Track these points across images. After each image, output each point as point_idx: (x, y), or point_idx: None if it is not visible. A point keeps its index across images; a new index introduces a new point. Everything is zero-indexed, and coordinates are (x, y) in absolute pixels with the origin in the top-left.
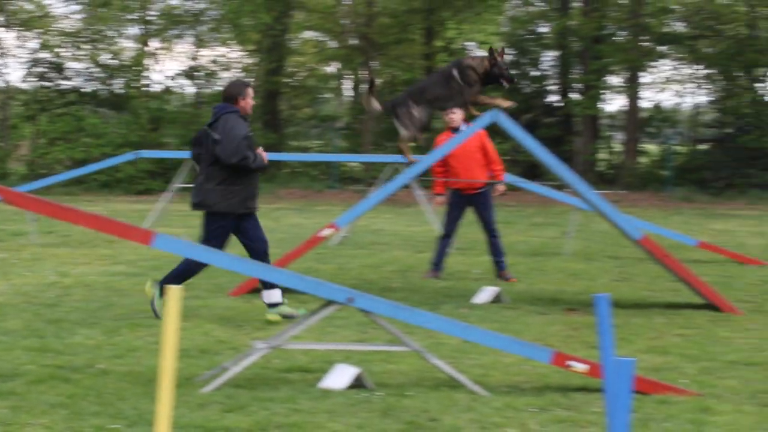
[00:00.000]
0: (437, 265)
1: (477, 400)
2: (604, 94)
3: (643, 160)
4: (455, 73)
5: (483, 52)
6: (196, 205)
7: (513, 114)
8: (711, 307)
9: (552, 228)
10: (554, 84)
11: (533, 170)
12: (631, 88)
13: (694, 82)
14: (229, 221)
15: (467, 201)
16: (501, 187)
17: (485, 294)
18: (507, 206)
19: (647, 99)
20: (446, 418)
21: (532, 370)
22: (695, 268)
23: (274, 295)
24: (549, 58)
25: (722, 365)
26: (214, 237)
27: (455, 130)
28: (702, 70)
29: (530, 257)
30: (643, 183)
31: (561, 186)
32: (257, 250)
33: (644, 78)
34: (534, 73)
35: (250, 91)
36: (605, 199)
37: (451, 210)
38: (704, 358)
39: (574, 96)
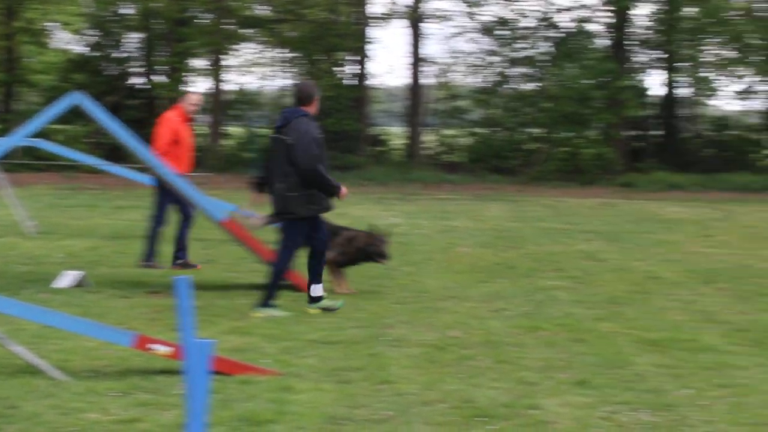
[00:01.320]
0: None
1: (57, 385)
2: (187, 76)
3: (227, 142)
4: None
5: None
6: (279, 214)
7: (96, 96)
8: (293, 287)
9: (135, 210)
10: (139, 66)
11: (116, 153)
12: (215, 71)
13: (278, 66)
14: (308, 223)
15: None
16: None
17: (67, 278)
18: (90, 190)
19: (232, 82)
20: (25, 405)
21: (114, 354)
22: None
23: (318, 290)
24: (133, 39)
25: (303, 344)
26: (293, 240)
27: None
28: (286, 54)
29: (114, 240)
30: (228, 165)
31: (145, 168)
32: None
33: (228, 61)
34: (117, 54)
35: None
36: (190, 181)
37: None
38: (285, 338)
39: (159, 78)
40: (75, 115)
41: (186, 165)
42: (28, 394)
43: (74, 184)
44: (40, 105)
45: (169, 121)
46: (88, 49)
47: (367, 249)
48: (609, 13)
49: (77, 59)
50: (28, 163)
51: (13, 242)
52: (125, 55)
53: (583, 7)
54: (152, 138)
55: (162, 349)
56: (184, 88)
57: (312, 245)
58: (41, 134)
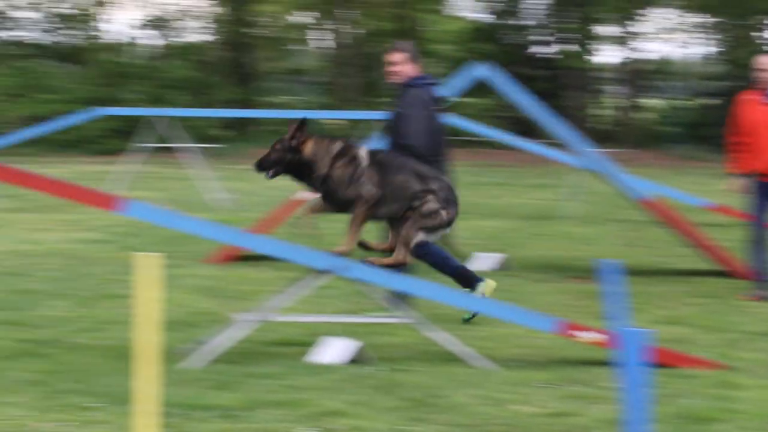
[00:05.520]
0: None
1: (482, 374)
2: (593, 45)
3: (643, 115)
4: None
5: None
6: None
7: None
8: (725, 274)
9: (550, 190)
10: (543, 34)
11: (527, 128)
12: (627, 38)
13: (696, 32)
14: None
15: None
16: None
17: (480, 261)
18: (501, 167)
19: (647, 50)
20: (451, 394)
21: (539, 342)
22: (708, 231)
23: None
24: (539, 5)
25: (746, 337)
26: None
27: None
28: (707, 19)
29: (528, 221)
30: (644, 140)
31: (555, 144)
32: None
33: (641, 27)
34: (517, 22)
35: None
36: (606, 158)
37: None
38: (725, 329)
39: (566, 47)
40: (482, 87)
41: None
42: (452, 382)
43: (484, 161)
44: (442, 76)
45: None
46: (493, 16)
47: None
48: None
49: (479, 27)
50: None
51: None
52: (526, 22)
53: None
54: (728, 124)
55: (589, 336)
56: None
57: None
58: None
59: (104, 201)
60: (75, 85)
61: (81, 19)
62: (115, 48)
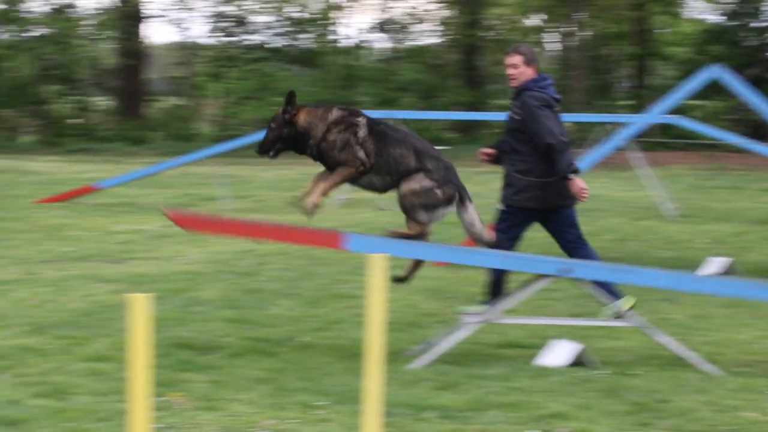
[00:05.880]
0: None
1: (709, 380)
2: None
3: None
4: None
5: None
6: None
7: (734, 69)
8: None
9: None
10: None
11: (759, 130)
12: None
13: None
14: None
15: None
16: None
17: (714, 265)
18: (733, 170)
19: None
20: (677, 399)
21: (765, 347)
22: None
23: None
24: None
25: None
26: None
27: None
28: None
29: (762, 225)
30: None
31: None
32: None
33: None
34: (757, 24)
35: None
36: None
37: None
38: None
39: None
40: (713, 90)
41: None
42: (679, 388)
43: (715, 164)
44: (676, 79)
45: None
46: (725, 18)
47: None
48: None
49: (713, 29)
50: (666, 141)
51: (654, 225)
52: (766, 24)
53: None
54: None
55: None
56: None
57: None
58: (678, 110)
59: (329, 240)
60: (308, 88)
61: (316, 23)
62: (347, 51)
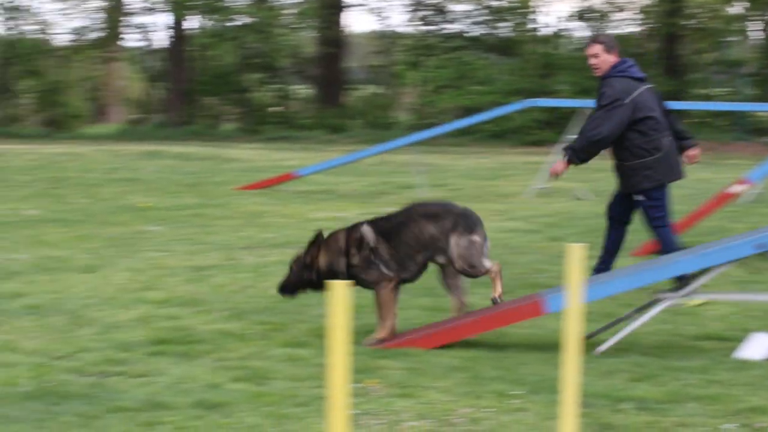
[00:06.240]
0: None
1: None
2: None
3: None
4: None
5: None
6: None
7: None
8: None
9: None
10: None
11: None
12: None
13: None
14: None
15: None
16: None
17: None
18: None
19: None
20: None
21: None
22: None
23: None
24: None
25: None
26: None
27: None
28: None
29: None
30: None
31: None
32: None
33: None
34: None
35: None
36: None
37: None
38: None
39: None
40: None
41: None
42: None
43: None
44: None
45: None
46: None
47: None
48: None
49: None
50: None
51: None
52: None
53: None
54: None
55: None
56: None
57: None
58: None
59: (531, 309)
60: (506, 77)
61: (515, 12)
62: (546, 40)
